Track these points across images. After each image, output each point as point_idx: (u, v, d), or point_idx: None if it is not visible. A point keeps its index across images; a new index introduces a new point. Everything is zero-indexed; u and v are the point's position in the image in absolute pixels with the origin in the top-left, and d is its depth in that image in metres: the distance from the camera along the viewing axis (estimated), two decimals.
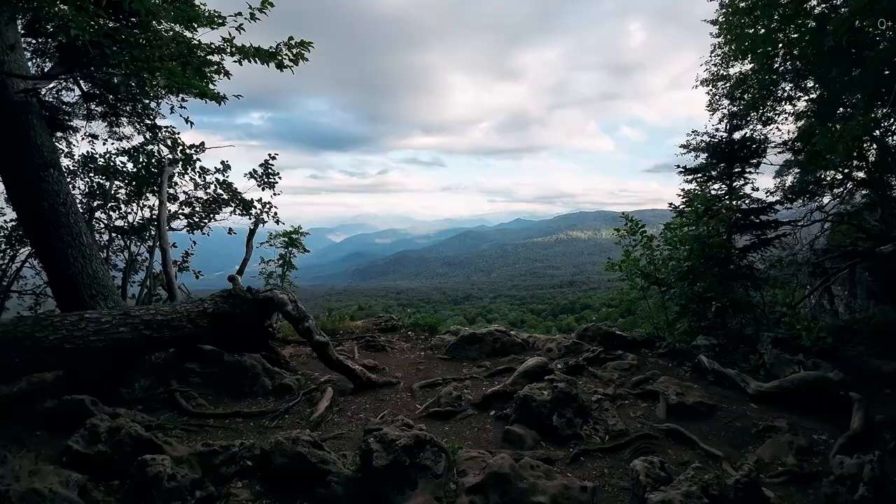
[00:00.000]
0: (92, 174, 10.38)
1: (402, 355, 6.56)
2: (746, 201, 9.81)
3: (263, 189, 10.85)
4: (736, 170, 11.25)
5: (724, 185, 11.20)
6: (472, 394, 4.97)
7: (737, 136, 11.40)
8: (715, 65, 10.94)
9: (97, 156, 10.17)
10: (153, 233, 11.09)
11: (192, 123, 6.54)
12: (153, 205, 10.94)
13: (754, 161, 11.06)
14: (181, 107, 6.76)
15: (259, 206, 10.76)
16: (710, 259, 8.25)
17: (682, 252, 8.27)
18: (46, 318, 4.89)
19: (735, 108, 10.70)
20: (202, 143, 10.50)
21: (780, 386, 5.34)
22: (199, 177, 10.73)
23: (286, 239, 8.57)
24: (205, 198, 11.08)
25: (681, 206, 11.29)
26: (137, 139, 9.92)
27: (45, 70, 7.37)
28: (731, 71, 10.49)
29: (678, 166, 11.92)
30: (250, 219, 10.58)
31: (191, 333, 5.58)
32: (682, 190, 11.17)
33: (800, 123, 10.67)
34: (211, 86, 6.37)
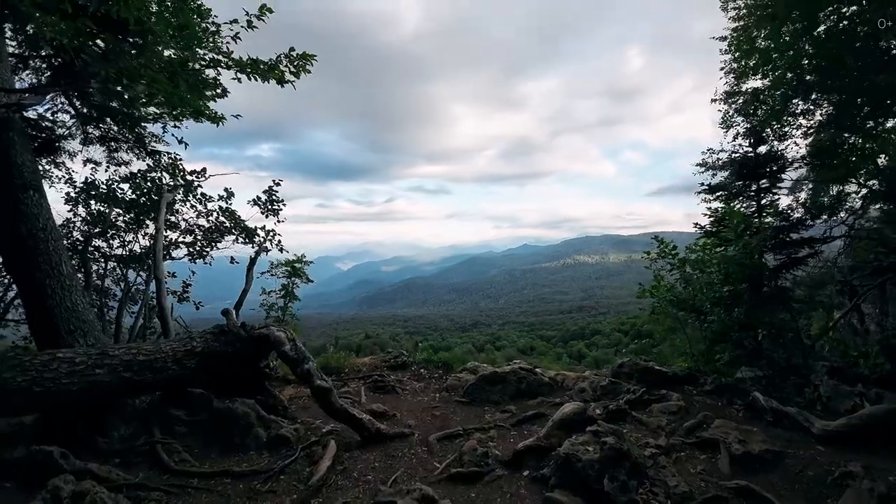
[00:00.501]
0: (93, 201, 10.06)
1: (414, 398, 5.81)
2: (777, 218, 9.17)
3: (267, 216, 10.41)
4: (763, 185, 10.65)
5: (751, 203, 10.59)
6: (499, 448, 4.21)
7: (760, 150, 10.89)
8: (732, 77, 10.25)
9: (99, 182, 9.85)
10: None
11: (186, 144, 6.06)
12: (154, 233, 10.53)
13: (780, 176, 10.50)
14: (175, 126, 6.28)
15: (262, 234, 10.28)
16: (748, 281, 7.56)
17: (716, 275, 7.54)
18: (15, 357, 4.34)
19: (749, 125, 10.22)
20: (203, 169, 10.12)
21: (849, 424, 4.68)
22: (201, 204, 10.32)
23: (289, 268, 7.97)
24: (207, 226, 10.66)
25: (706, 226, 10.66)
26: (138, 164, 9.56)
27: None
28: (744, 87, 10.15)
29: (702, 184, 11.30)
30: (253, 247, 10.08)
31: (177, 375, 4.93)
32: (709, 209, 10.53)
33: (809, 139, 10.36)
34: (209, 103, 5.93)
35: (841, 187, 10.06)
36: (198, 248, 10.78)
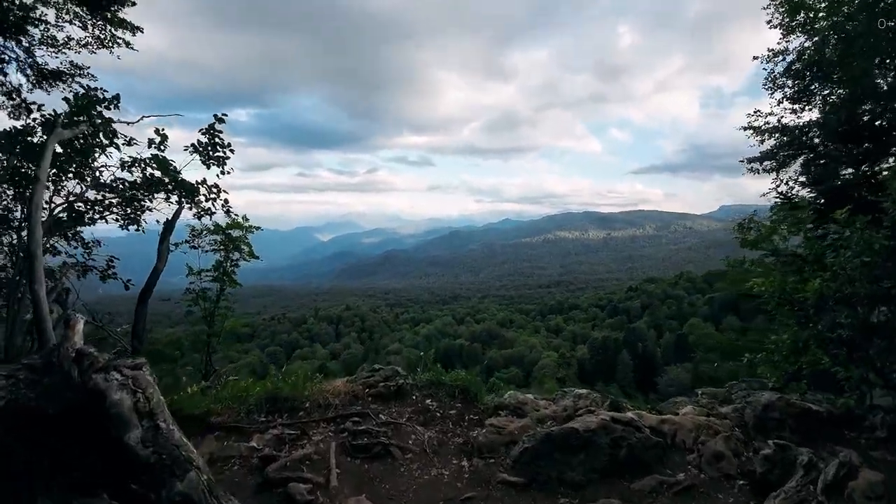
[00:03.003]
0: None
1: (424, 469, 3.28)
2: None
3: (209, 166, 7.60)
4: (867, 148, 8.39)
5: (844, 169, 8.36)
6: None
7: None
8: (780, 33, 9.25)
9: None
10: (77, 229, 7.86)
11: None
12: (74, 190, 7.77)
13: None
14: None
15: (205, 190, 7.53)
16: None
17: (848, 259, 5.12)
18: None
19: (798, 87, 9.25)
20: (116, 96, 7.24)
21: None
22: (112, 145, 7.41)
23: (222, 237, 5.25)
24: (131, 180, 7.79)
25: (795, 198, 8.46)
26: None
27: None
28: (791, 45, 9.23)
29: (808, 144, 9.01)
30: (191, 208, 7.36)
31: None
32: (810, 175, 8.24)
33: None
34: None
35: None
36: (128, 212, 7.94)
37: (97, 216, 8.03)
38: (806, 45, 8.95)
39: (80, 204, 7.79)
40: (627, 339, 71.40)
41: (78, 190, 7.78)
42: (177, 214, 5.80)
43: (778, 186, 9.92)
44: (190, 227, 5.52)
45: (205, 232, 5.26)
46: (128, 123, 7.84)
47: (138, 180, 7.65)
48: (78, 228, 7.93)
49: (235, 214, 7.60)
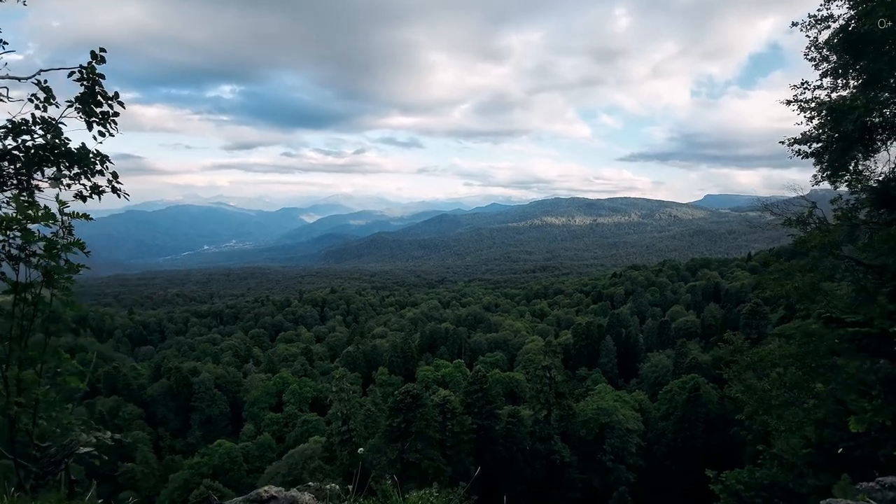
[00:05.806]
0: None
1: None
2: None
3: (91, 126, 6.01)
4: None
5: None
6: None
7: None
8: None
9: None
10: None
11: None
12: None
13: None
14: None
15: (98, 163, 5.99)
16: None
17: None
18: None
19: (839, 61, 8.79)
20: None
21: None
22: None
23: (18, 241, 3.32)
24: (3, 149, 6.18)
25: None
26: None
27: None
28: (836, 12, 8.59)
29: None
30: (67, 186, 5.84)
31: None
32: None
33: None
34: None
35: None
36: (21, 193, 6.33)
37: None
38: (851, 13, 8.22)
39: None
40: (611, 325, 71.25)
41: None
42: None
43: (828, 173, 8.98)
44: None
45: None
46: (18, 79, 6.27)
47: (13, 149, 6.08)
48: None
49: (127, 196, 6.11)
